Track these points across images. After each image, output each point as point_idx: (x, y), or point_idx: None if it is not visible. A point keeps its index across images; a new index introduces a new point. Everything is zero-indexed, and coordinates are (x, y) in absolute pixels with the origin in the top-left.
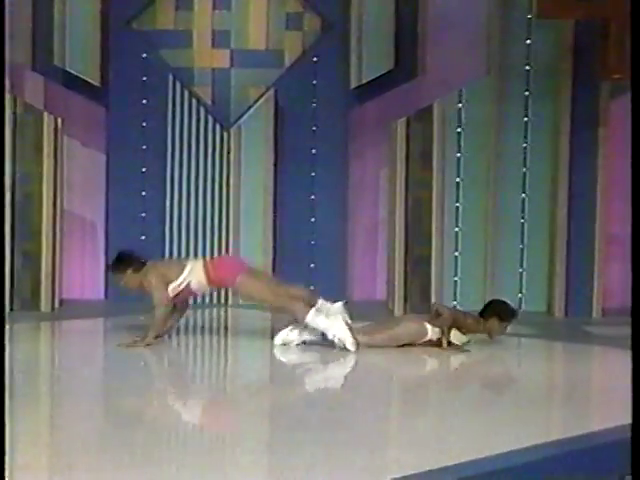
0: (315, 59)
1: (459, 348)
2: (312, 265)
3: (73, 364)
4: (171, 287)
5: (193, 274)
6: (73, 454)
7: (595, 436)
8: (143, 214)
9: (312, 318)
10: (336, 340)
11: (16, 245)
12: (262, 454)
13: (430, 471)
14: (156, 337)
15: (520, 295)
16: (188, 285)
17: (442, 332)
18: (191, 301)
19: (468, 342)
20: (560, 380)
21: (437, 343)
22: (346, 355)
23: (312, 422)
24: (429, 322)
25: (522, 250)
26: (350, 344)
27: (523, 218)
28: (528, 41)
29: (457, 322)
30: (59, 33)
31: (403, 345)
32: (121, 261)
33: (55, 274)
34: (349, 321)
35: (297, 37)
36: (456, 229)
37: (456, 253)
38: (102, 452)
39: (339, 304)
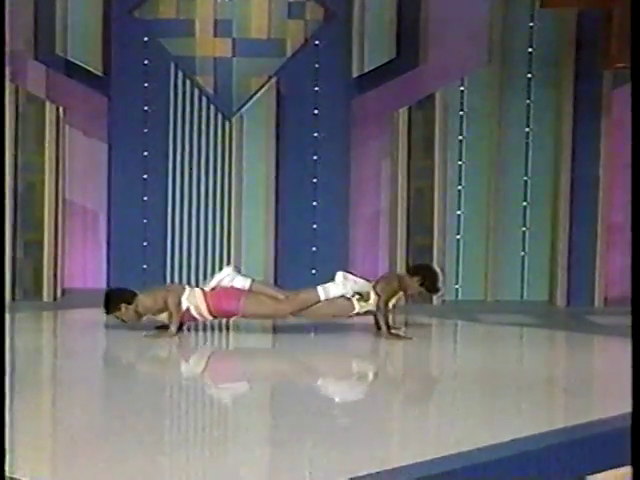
0: (317, 48)
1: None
2: (314, 250)
3: (75, 353)
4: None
5: (192, 300)
6: (73, 442)
7: (595, 425)
8: (145, 204)
9: (324, 292)
10: (356, 296)
11: (18, 235)
12: (263, 443)
13: (427, 461)
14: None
15: (522, 284)
16: (188, 310)
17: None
18: None
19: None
20: (562, 369)
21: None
22: (340, 342)
23: (312, 411)
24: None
25: (524, 239)
26: (367, 287)
27: (525, 208)
28: (530, 30)
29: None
30: (61, 22)
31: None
32: (112, 299)
33: (57, 263)
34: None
35: (299, 26)
36: (458, 219)
37: (458, 243)
38: (103, 440)
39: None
